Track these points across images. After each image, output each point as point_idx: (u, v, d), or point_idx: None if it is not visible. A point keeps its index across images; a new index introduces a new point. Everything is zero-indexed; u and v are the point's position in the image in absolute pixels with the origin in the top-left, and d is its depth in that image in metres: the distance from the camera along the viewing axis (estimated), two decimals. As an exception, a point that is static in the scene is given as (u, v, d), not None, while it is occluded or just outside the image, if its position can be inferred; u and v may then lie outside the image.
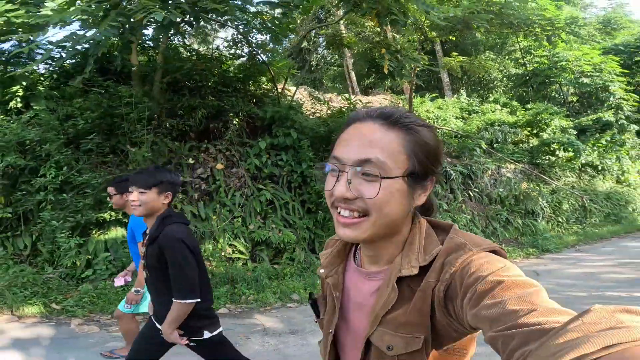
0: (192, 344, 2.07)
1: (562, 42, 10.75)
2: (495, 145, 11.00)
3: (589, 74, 11.94)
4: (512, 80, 15.41)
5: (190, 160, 5.78)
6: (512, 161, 10.47)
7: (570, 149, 10.70)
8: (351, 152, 0.72)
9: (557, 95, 14.75)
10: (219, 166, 5.96)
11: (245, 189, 5.97)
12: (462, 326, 0.68)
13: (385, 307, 0.77)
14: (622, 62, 12.87)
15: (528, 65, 14.94)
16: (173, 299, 1.96)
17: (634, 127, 11.69)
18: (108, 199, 3.18)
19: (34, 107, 5.39)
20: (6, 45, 5.60)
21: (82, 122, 5.19)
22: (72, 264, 4.56)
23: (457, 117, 12.59)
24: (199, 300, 1.99)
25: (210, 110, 6.29)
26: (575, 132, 11.51)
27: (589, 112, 14.14)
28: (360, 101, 9.53)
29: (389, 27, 8.96)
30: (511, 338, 0.50)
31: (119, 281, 3.20)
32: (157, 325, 2.10)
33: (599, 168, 11.44)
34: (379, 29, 6.46)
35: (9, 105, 5.37)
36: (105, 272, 4.56)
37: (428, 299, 0.72)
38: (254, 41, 6.33)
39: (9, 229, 4.82)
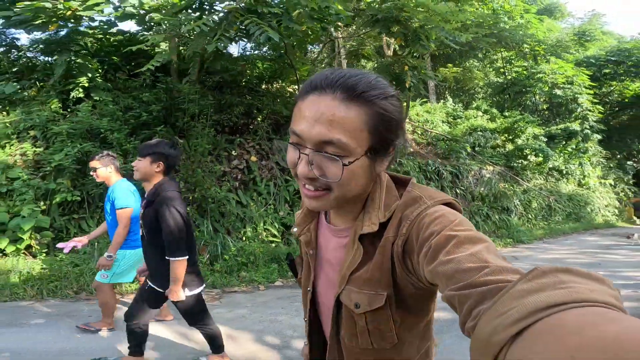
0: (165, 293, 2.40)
1: (545, 61, 12.32)
2: (476, 149, 12.50)
3: (561, 86, 13.64)
4: (492, 88, 17.01)
5: (234, 152, 6.75)
6: (491, 164, 12.00)
7: (540, 154, 12.35)
8: (312, 132, 0.69)
9: (530, 104, 16.52)
10: (253, 158, 6.97)
11: (275, 180, 7.01)
12: (421, 282, 0.70)
13: (352, 266, 0.80)
14: (591, 75, 14.70)
15: (507, 75, 16.64)
16: (167, 257, 2.30)
17: (597, 136, 13.51)
18: (91, 173, 3.27)
19: (95, 98, 6.15)
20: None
21: (146, 115, 6.04)
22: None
23: (443, 121, 14.02)
24: (186, 257, 2.31)
25: (245, 108, 7.26)
26: (545, 139, 13.19)
27: (557, 120, 15.98)
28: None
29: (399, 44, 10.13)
30: (466, 297, 0.52)
31: (66, 248, 3.23)
32: (149, 282, 2.47)
33: (564, 172, 13.22)
34: (398, 46, 7.52)
35: (71, 95, 6.08)
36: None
37: (388, 255, 0.74)
38: (283, 45, 7.24)
39: (73, 211, 5.57)
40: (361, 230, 0.78)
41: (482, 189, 10.87)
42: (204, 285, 2.58)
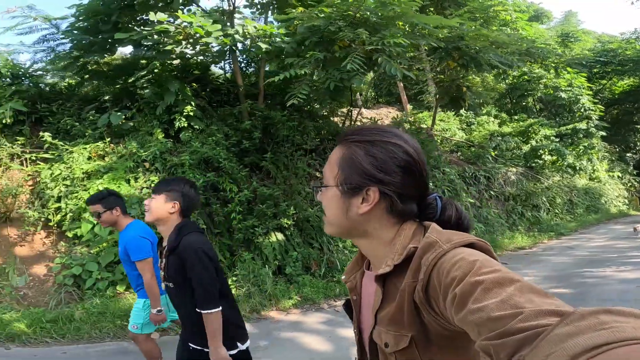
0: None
1: (565, 73, 13.91)
2: (497, 153, 13.73)
3: (563, 89, 15.15)
4: (496, 92, 18.50)
5: (318, 174, 7.55)
6: (513, 165, 13.23)
7: (555, 154, 13.70)
8: None
9: (532, 106, 18.07)
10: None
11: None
12: (450, 324, 0.72)
13: (375, 305, 0.88)
14: (585, 76, 16.34)
15: (507, 79, 18.17)
16: (197, 310, 2.05)
17: (601, 133, 15.05)
18: (94, 218, 3.06)
19: (195, 126, 6.82)
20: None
21: (247, 142, 6.78)
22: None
23: (458, 128, 15.25)
24: (219, 308, 2.07)
25: (316, 130, 8.10)
26: (557, 140, 14.59)
27: (557, 119, 17.56)
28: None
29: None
30: (503, 346, 0.53)
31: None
32: (190, 344, 2.19)
33: (577, 168, 14.62)
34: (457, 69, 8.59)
35: (176, 125, 6.69)
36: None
37: (409, 299, 0.78)
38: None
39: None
40: (378, 272, 0.85)
41: (514, 189, 12.02)
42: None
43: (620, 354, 0.39)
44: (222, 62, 7.86)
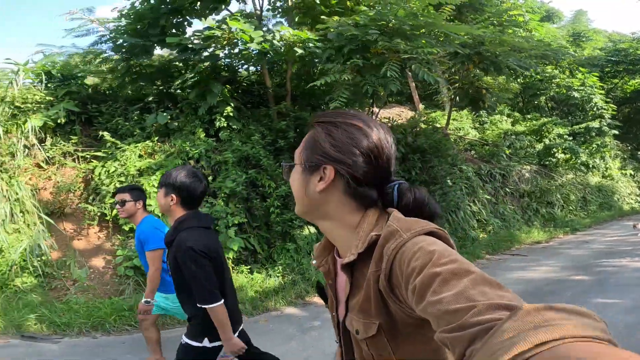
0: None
1: (581, 74, 14.45)
2: (509, 151, 14.20)
3: (576, 88, 15.58)
4: (511, 93, 18.98)
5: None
6: (527, 163, 13.69)
7: (568, 152, 14.14)
8: None
9: (544, 105, 18.50)
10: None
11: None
12: (414, 312, 0.73)
13: (345, 293, 0.93)
14: (597, 76, 16.77)
15: (519, 79, 18.60)
16: (199, 305, 2.08)
17: (614, 131, 15.48)
18: (117, 206, 3.20)
19: (233, 126, 7.37)
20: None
21: (282, 142, 7.31)
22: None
23: (471, 127, 15.71)
24: (221, 301, 2.07)
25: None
26: (571, 138, 15.03)
27: (569, 118, 17.99)
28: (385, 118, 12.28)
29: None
30: (458, 339, 0.56)
31: None
32: (189, 341, 2.21)
33: (590, 166, 15.06)
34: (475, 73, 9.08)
35: (216, 124, 7.22)
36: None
37: (375, 287, 0.81)
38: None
39: (244, 231, 6.55)
40: (343, 261, 0.88)
41: (529, 186, 12.50)
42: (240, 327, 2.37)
43: (561, 350, 0.42)
44: (251, 64, 8.34)
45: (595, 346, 0.42)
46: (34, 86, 6.86)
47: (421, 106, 15.84)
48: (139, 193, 3.18)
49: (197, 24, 11.00)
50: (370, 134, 0.90)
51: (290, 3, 9.43)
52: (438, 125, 12.84)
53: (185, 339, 2.23)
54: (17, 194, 5.87)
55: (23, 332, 4.30)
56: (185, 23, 7.99)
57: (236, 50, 7.37)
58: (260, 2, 9.64)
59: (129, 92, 8.08)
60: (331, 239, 0.98)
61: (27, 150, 6.45)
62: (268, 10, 10.44)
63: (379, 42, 5.60)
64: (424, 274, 0.67)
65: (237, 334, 2.27)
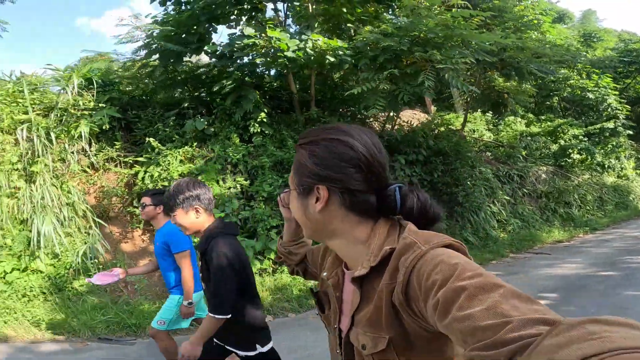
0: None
1: (597, 77, 14.83)
2: (525, 152, 14.49)
3: (590, 89, 15.87)
4: (529, 96, 19.29)
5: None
6: (544, 164, 13.98)
7: (584, 152, 14.42)
8: None
9: (558, 106, 18.78)
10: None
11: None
12: (430, 325, 0.73)
13: (353, 307, 0.91)
14: (610, 77, 17.05)
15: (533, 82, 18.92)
16: (209, 313, 2.12)
17: (628, 132, 15.77)
18: (140, 209, 3.33)
19: (265, 132, 7.73)
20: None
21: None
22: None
23: (485, 129, 16.02)
24: (228, 316, 2.12)
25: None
26: (586, 139, 15.31)
27: (583, 118, 18.25)
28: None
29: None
30: (492, 358, 0.55)
31: (98, 280, 3.21)
32: (236, 350, 2.31)
33: (605, 166, 15.34)
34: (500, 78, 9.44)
35: (251, 130, 7.57)
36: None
37: (387, 300, 0.80)
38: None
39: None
40: (354, 274, 0.88)
41: (546, 186, 12.80)
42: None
43: None
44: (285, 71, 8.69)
45: None
46: (83, 92, 7.17)
47: (433, 108, 16.17)
48: (160, 198, 3.19)
49: (221, 31, 11.30)
50: (354, 144, 0.88)
51: (310, 10, 9.81)
52: (454, 128, 13.19)
53: (242, 353, 2.29)
54: (68, 198, 6.24)
55: (98, 335, 4.58)
56: (210, 29, 8.40)
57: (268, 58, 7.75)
58: (285, 9, 10.02)
59: (161, 98, 8.44)
60: (341, 255, 0.98)
61: (76, 155, 6.81)
62: (287, 16, 10.82)
63: (416, 53, 5.96)
64: (447, 287, 0.66)
65: (266, 348, 2.32)
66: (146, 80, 8.24)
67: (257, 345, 2.26)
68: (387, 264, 0.82)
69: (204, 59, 9.61)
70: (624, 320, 0.47)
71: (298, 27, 11.05)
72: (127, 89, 8.50)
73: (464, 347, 0.60)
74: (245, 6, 7.28)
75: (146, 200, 3.23)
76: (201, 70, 8.49)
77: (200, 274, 2.40)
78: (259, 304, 2.34)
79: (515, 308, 0.57)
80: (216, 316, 2.10)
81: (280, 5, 9.75)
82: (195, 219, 2.20)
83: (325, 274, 1.07)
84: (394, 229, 0.89)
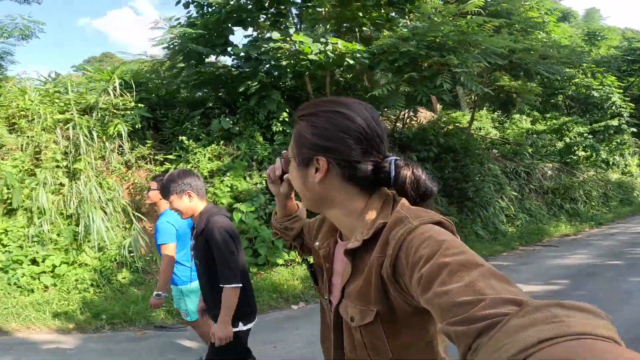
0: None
1: (602, 76, 15.30)
2: (531, 150, 14.94)
3: (595, 87, 16.31)
4: (536, 95, 19.71)
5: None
6: (549, 161, 14.43)
7: (589, 150, 14.86)
8: None
9: (562, 104, 19.20)
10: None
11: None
12: (414, 300, 0.75)
13: (343, 279, 0.93)
14: (615, 75, 17.49)
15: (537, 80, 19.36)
16: (220, 285, 2.25)
17: (632, 129, 16.21)
18: (146, 193, 3.48)
19: (287, 131, 8.17)
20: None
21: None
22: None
23: (491, 127, 16.46)
24: (240, 284, 2.26)
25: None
26: (591, 137, 15.75)
27: (587, 116, 18.69)
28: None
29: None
30: (465, 333, 0.56)
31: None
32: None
33: (610, 163, 15.78)
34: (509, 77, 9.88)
35: (274, 129, 8.02)
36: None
37: (377, 273, 0.82)
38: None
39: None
40: (347, 246, 0.90)
41: (552, 183, 13.25)
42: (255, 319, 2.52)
43: (566, 347, 0.42)
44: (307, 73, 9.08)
45: (599, 344, 0.43)
46: (119, 92, 7.59)
47: (439, 106, 16.60)
48: None
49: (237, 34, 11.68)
50: (354, 116, 0.90)
51: (324, 13, 10.26)
52: (461, 126, 13.63)
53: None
54: (109, 194, 6.69)
55: (153, 323, 4.89)
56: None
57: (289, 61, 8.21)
58: (299, 12, 10.45)
59: (184, 97, 8.88)
60: (338, 226, 1.00)
61: (113, 154, 7.27)
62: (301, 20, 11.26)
63: (433, 57, 6.41)
64: (431, 263, 0.68)
65: (252, 324, 2.45)
66: (174, 81, 8.66)
67: (240, 323, 2.36)
68: (379, 237, 0.84)
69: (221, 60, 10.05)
70: (588, 306, 0.49)
71: (311, 30, 11.53)
72: (156, 89, 8.94)
73: (441, 321, 0.63)
74: (271, 11, 7.72)
75: (152, 184, 3.37)
76: (221, 70, 8.94)
77: (192, 252, 2.55)
78: (247, 282, 2.46)
79: (490, 287, 0.59)
80: (232, 286, 2.25)
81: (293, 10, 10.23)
82: (188, 203, 2.44)
83: (317, 243, 1.09)
84: (388, 203, 0.91)
